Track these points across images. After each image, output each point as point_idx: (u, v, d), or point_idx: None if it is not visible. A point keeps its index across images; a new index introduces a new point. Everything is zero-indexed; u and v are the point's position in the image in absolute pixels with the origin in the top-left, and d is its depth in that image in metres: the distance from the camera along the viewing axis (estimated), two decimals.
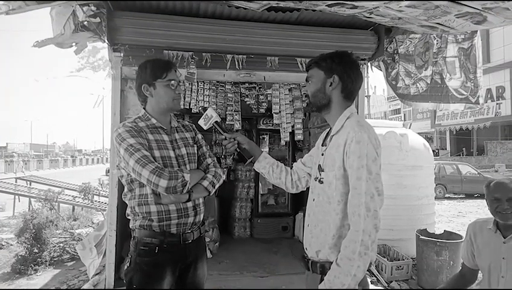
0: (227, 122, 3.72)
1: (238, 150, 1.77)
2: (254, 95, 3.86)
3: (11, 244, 5.32)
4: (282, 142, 4.03)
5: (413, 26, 3.04)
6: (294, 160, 5.37)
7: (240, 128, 3.89)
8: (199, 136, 1.94)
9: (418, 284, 3.89)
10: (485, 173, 14.54)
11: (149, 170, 1.53)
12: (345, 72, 1.48)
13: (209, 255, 4.16)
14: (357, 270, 1.26)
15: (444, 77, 3.93)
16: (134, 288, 1.64)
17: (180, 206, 1.68)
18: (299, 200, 5.13)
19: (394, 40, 3.81)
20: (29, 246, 4.43)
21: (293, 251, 4.51)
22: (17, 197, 8.75)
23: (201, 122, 1.79)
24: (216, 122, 1.77)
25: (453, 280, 2.28)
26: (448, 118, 23.53)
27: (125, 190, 1.73)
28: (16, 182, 10.10)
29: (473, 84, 3.95)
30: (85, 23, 3.03)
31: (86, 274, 4.06)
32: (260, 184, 5.30)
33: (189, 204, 1.71)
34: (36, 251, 4.44)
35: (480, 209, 9.88)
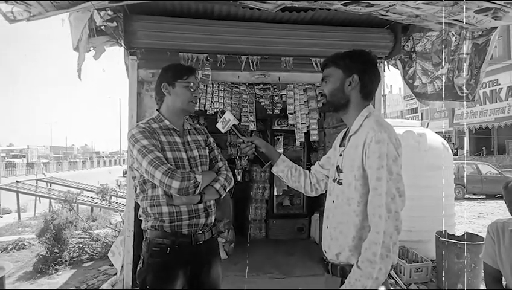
0: (242, 124, 3.72)
1: (256, 154, 1.76)
2: (269, 96, 3.85)
3: (33, 244, 5.47)
4: (297, 143, 4.00)
5: (431, 24, 2.98)
6: (309, 161, 5.34)
7: (255, 129, 3.89)
8: (211, 139, 1.96)
9: (437, 286, 3.80)
10: (506, 172, 14.10)
11: (161, 171, 1.55)
12: (365, 71, 1.45)
13: (224, 256, 4.17)
14: (379, 273, 1.23)
15: (454, 74, 3.83)
16: (147, 289, 1.65)
17: (192, 207, 1.70)
18: (315, 202, 5.08)
19: (411, 38, 3.74)
20: (49, 246, 4.54)
21: (309, 253, 4.47)
22: (38, 198, 9.00)
23: (219, 125, 1.80)
24: (234, 125, 1.77)
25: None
26: (467, 116, 22.95)
27: (138, 191, 1.75)
28: (36, 183, 10.39)
29: (474, 80, 3.81)
30: (102, 27, 3.08)
31: (105, 274, 4.14)
32: (275, 185, 5.29)
33: (201, 205, 1.72)
34: (56, 251, 4.54)
35: (501, 211, 9.59)
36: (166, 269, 1.66)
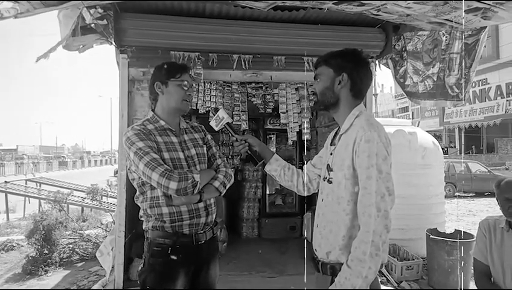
0: (234, 122, 3.71)
1: (249, 152, 1.75)
2: (261, 95, 3.85)
3: (22, 246, 5.39)
4: (290, 142, 4.02)
5: (422, 23, 3.01)
6: (301, 160, 5.35)
7: (247, 128, 3.88)
8: (209, 136, 1.94)
9: (428, 284, 3.84)
10: (495, 170, 14.32)
11: (158, 173, 1.54)
12: (355, 70, 1.45)
13: None
14: (368, 272, 1.23)
15: (445, 73, 3.88)
16: (147, 289, 1.65)
17: (192, 207, 1.68)
18: (307, 200, 5.11)
19: (402, 37, 3.77)
20: (39, 247, 4.47)
21: (302, 251, 4.48)
22: (27, 198, 8.88)
23: (212, 123, 1.79)
24: (227, 123, 1.77)
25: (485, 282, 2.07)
26: (457, 115, 23.24)
27: (137, 192, 1.74)
28: (26, 184, 10.25)
29: (465, 80, 3.87)
30: (92, 25, 3.04)
31: (96, 275, 4.09)
32: (267, 184, 5.29)
33: (201, 205, 1.71)
34: (46, 252, 4.48)
35: (490, 208, 9.74)
36: (167, 268, 1.65)
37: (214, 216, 1.83)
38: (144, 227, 1.75)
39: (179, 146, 1.75)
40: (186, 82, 1.76)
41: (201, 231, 1.73)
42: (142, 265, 1.70)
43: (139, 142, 1.61)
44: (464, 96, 3.87)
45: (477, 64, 3.86)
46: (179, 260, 1.66)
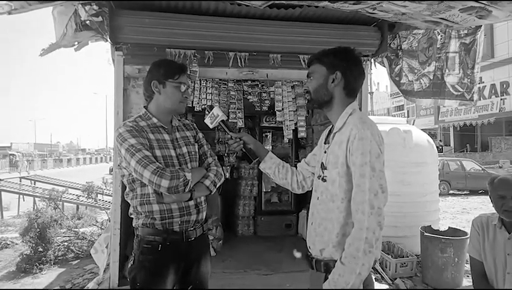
0: (230, 120, 3.71)
1: (244, 150, 1.75)
2: (257, 93, 3.84)
3: (16, 244, 5.36)
4: (285, 140, 4.02)
5: (417, 22, 3.02)
6: (297, 158, 5.36)
7: (243, 126, 3.88)
8: (200, 135, 1.94)
9: (422, 281, 3.88)
10: (489, 169, 14.46)
11: (150, 170, 1.54)
12: (348, 69, 1.46)
13: (212, 253, 4.17)
14: (362, 269, 1.25)
15: (443, 72, 3.90)
16: (137, 286, 1.65)
17: (182, 204, 1.69)
18: (303, 198, 5.11)
19: (397, 35, 3.78)
20: (34, 245, 4.46)
21: (297, 249, 4.49)
22: (21, 196, 8.82)
23: (207, 121, 1.79)
24: (222, 121, 1.76)
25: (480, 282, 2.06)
26: (452, 114, 23.39)
27: (127, 189, 1.74)
28: (20, 181, 10.17)
29: (469, 80, 3.90)
30: (87, 22, 3.02)
31: (91, 273, 4.08)
32: (263, 182, 5.29)
33: (191, 202, 1.72)
34: (41, 249, 4.46)
35: (484, 206, 9.83)
36: (157, 266, 1.65)
37: (205, 214, 1.84)
38: (133, 224, 1.74)
39: (171, 144, 1.75)
40: (183, 84, 1.75)
41: (192, 228, 1.73)
42: (131, 262, 1.70)
43: (131, 139, 1.61)
44: (472, 96, 3.91)
45: (479, 65, 3.90)
46: (169, 257, 1.67)
